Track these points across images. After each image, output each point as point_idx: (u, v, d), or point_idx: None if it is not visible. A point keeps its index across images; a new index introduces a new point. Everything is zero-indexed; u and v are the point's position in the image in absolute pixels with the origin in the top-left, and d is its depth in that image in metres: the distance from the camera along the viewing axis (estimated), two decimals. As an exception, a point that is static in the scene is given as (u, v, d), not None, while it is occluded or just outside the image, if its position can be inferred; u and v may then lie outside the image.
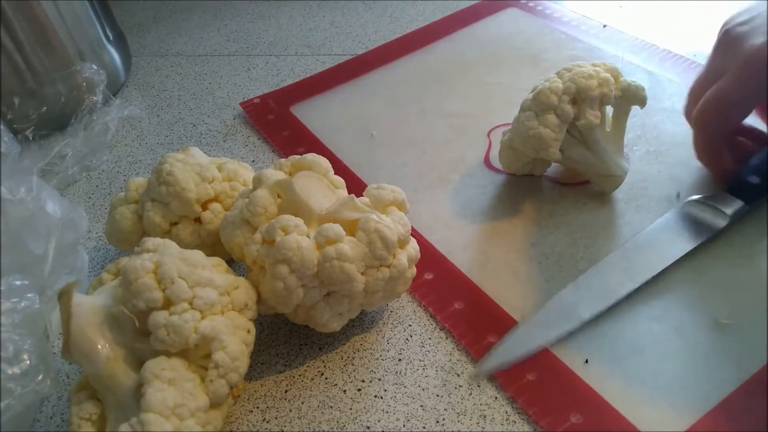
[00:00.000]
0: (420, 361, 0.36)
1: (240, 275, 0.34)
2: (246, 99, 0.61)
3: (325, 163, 0.38)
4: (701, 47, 0.58)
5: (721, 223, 0.39)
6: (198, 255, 0.33)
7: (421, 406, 0.34)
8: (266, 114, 0.58)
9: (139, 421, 0.28)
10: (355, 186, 0.47)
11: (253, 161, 0.53)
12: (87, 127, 0.56)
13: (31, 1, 0.54)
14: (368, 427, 0.33)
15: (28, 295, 0.33)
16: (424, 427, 0.33)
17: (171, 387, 0.29)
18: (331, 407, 0.34)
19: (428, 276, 0.40)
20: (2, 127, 0.43)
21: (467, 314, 0.38)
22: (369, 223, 0.33)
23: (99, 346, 0.30)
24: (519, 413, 0.33)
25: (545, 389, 0.33)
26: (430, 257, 0.42)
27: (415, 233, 0.42)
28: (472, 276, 0.40)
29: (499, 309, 0.38)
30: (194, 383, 0.30)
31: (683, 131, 0.49)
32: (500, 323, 0.37)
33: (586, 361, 0.34)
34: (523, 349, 0.35)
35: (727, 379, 0.33)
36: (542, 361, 0.35)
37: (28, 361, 0.31)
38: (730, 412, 0.31)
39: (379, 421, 0.33)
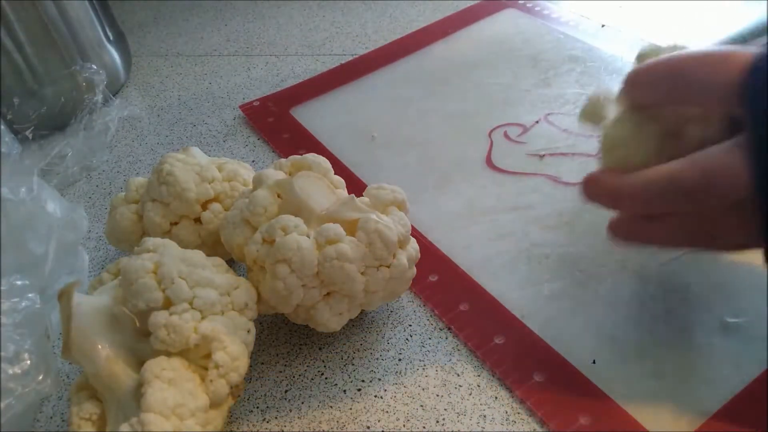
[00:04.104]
0: (420, 361, 0.36)
1: (240, 275, 0.34)
2: (246, 99, 0.61)
3: (325, 163, 0.38)
4: (700, 48, 0.58)
5: None
6: (198, 255, 0.33)
7: (421, 406, 0.34)
8: (266, 117, 0.58)
9: (139, 421, 0.28)
10: (355, 186, 0.47)
11: (253, 161, 0.53)
12: (87, 127, 0.56)
13: (32, 1, 0.54)
14: (368, 427, 0.33)
15: (29, 295, 0.33)
16: (424, 427, 0.33)
17: (171, 387, 0.29)
18: (331, 407, 0.34)
19: (432, 278, 0.40)
20: (3, 127, 0.43)
21: (473, 316, 0.38)
22: (369, 223, 0.33)
23: (99, 346, 0.30)
24: (519, 413, 0.33)
25: (553, 391, 0.33)
26: (433, 258, 0.41)
27: (416, 234, 0.42)
28: (475, 276, 0.40)
29: (504, 309, 0.38)
30: (194, 383, 0.30)
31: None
32: (506, 324, 0.37)
33: (594, 362, 0.34)
34: None
35: (735, 379, 0.32)
36: (550, 362, 0.35)
37: (29, 361, 0.31)
38: (738, 412, 0.31)
39: (379, 421, 0.34)
